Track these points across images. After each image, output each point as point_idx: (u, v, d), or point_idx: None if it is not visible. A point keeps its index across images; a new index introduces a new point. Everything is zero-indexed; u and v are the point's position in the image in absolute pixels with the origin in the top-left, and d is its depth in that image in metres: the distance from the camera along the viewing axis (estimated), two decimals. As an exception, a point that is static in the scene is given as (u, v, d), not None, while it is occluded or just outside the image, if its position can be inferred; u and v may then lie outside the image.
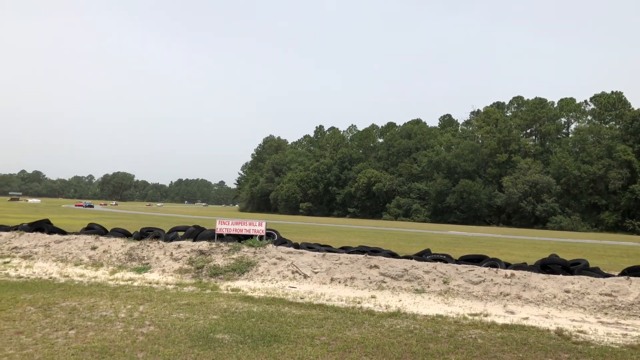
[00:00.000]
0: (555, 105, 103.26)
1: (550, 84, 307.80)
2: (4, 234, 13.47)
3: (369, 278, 9.80)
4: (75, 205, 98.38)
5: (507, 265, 10.74)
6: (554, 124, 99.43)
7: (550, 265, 10.63)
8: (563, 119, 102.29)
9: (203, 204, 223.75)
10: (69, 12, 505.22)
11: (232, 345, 5.61)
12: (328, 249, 12.24)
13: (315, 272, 10.16)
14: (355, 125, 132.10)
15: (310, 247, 12.20)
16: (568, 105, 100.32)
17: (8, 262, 11.49)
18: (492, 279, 9.41)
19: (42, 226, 14.38)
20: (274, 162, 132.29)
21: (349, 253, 11.32)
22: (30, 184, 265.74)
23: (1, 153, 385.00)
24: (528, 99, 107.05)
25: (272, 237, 12.62)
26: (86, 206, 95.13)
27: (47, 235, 13.17)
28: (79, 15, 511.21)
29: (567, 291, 8.88)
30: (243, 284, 9.73)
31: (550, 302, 8.68)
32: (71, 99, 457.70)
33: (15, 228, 14.29)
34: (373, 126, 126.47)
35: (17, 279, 9.68)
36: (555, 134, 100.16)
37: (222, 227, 12.18)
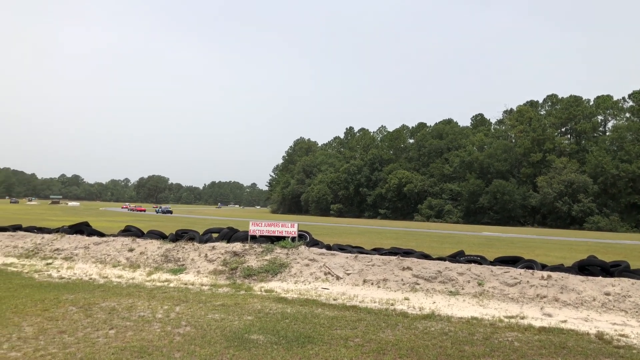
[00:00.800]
0: (592, 102, 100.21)
1: (585, 82, 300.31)
2: (47, 236, 13.96)
3: (402, 280, 9.74)
4: (135, 210, 77.81)
5: (544, 267, 10.51)
6: (590, 122, 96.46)
7: (588, 267, 10.35)
8: (600, 117, 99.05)
9: (217, 206, 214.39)
10: (103, 19, 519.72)
11: (267, 346, 5.67)
12: (360, 250, 12.22)
13: (348, 274, 10.16)
14: (385, 126, 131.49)
15: (342, 248, 12.20)
16: (605, 102, 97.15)
17: (51, 264, 11.91)
18: (528, 281, 9.22)
19: (82, 228, 14.85)
20: (304, 164, 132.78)
21: (381, 254, 11.28)
22: (70, 187, 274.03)
23: (42, 158, 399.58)
24: (563, 97, 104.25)
25: (304, 238, 12.67)
26: (162, 212, 72.69)
27: (87, 237, 13.58)
28: (113, 22, 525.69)
29: (607, 294, 8.63)
30: (276, 285, 9.81)
31: (589, 304, 8.45)
32: (107, 104, 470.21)
33: (57, 230, 14.80)
34: (403, 127, 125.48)
35: (59, 280, 10.02)
36: (592, 133, 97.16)
37: (255, 229, 12.31)
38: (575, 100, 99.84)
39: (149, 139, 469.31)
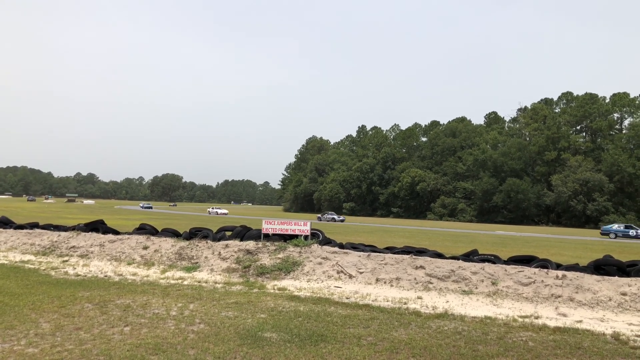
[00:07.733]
0: (607, 100, 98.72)
1: (601, 79, 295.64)
2: (63, 233, 14.15)
3: (415, 279, 9.71)
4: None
5: (558, 266, 10.41)
6: (606, 120, 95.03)
7: (604, 267, 10.22)
8: (616, 115, 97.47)
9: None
10: (116, 18, 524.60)
11: (280, 344, 5.69)
12: (373, 249, 12.20)
13: (361, 272, 10.16)
14: (398, 125, 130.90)
15: (354, 247, 12.20)
16: (621, 100, 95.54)
17: (67, 261, 12.07)
18: (542, 280, 9.14)
19: (97, 226, 15.02)
20: (317, 162, 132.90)
21: (394, 253, 11.25)
22: (85, 185, 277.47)
23: (59, 157, 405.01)
24: (578, 95, 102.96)
25: (317, 237, 12.68)
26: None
27: (102, 235, 13.73)
28: (127, 21, 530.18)
29: (624, 294, 8.52)
30: (289, 283, 9.84)
31: (605, 305, 8.35)
32: (120, 103, 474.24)
33: (73, 228, 14.99)
34: (416, 125, 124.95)
35: (75, 277, 10.15)
36: (608, 130, 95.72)
37: (268, 227, 12.36)
38: (591, 98, 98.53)
39: (163, 137, 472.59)
